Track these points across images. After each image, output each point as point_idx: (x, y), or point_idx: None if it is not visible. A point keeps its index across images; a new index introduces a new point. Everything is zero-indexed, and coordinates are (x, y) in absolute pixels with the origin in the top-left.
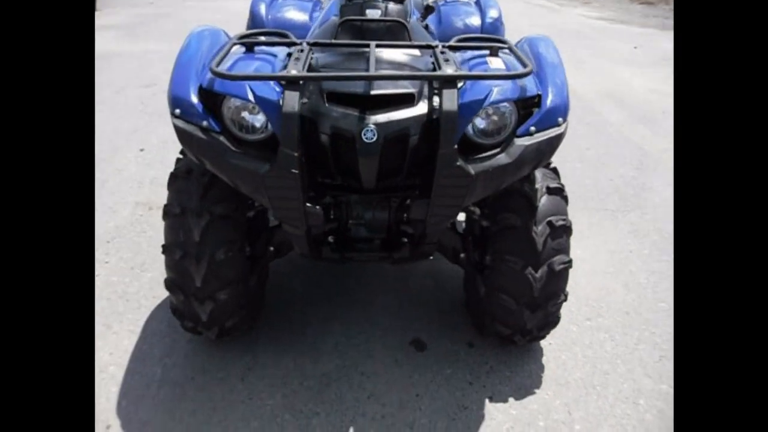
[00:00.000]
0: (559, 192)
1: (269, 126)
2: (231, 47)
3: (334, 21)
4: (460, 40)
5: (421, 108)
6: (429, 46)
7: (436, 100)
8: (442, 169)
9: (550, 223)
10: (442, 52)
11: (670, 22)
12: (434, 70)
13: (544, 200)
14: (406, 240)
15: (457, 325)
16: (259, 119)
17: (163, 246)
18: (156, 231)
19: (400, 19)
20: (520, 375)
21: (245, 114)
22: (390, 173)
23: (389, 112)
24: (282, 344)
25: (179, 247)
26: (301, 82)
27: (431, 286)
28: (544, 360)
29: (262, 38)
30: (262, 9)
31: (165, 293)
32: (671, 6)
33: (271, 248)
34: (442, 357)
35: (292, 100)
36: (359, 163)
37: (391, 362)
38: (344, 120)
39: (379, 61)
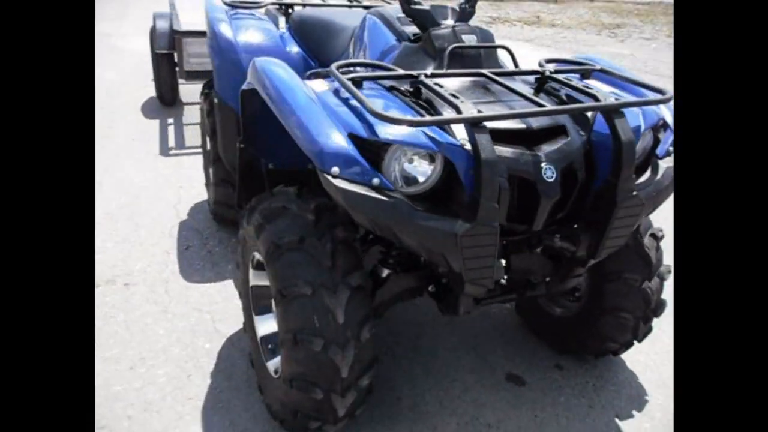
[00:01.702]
0: None
1: (433, 176)
2: (352, 84)
3: (423, 48)
4: (547, 62)
5: (575, 139)
6: (538, 72)
7: (581, 130)
8: (622, 201)
9: (653, 236)
10: (553, 79)
11: None
12: (566, 99)
13: None
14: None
15: (533, 351)
16: (426, 169)
17: (285, 339)
18: (128, 313)
19: (506, 45)
20: (623, 385)
21: (415, 164)
22: (556, 210)
23: (555, 146)
24: (384, 418)
25: (318, 335)
26: (483, 122)
27: (470, 318)
28: (627, 365)
29: (360, 69)
30: (227, 31)
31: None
32: None
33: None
34: (546, 387)
35: (488, 145)
36: (540, 205)
37: (505, 405)
38: (520, 160)
39: (507, 91)
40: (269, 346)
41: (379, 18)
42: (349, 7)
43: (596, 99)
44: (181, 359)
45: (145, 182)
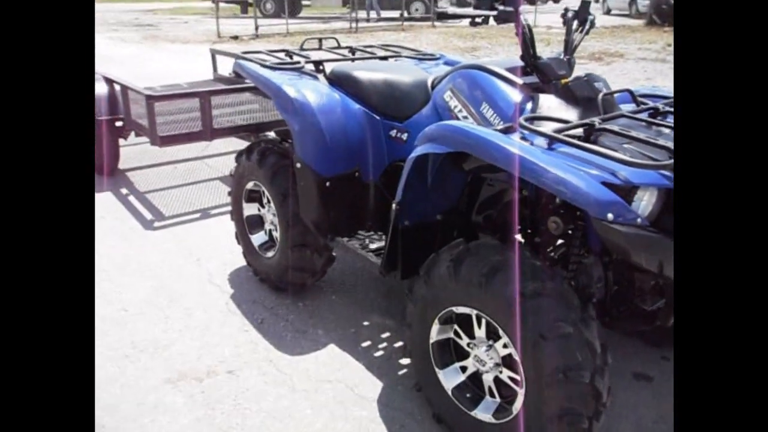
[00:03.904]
0: None
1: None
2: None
3: (564, 97)
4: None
5: None
6: (654, 108)
7: None
8: None
9: None
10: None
11: None
12: None
13: None
14: None
15: (627, 349)
16: (649, 204)
17: (550, 378)
18: (260, 402)
19: (630, 89)
20: None
21: (644, 202)
22: None
23: None
24: None
25: (585, 369)
26: None
27: None
28: None
29: (543, 123)
30: (298, 93)
31: None
32: None
33: None
34: (671, 379)
35: None
36: None
37: (651, 401)
38: None
39: (660, 128)
40: (467, 395)
41: (487, 72)
42: (384, 58)
43: None
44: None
45: (158, 262)
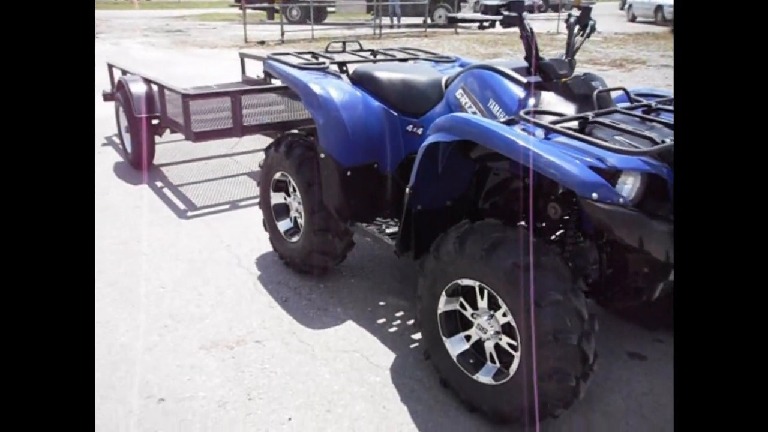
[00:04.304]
0: None
1: (638, 192)
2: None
3: (563, 94)
4: (637, 96)
5: None
6: (647, 106)
7: None
8: None
9: None
10: (658, 109)
11: None
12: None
13: None
14: None
15: (624, 332)
16: (632, 187)
17: (542, 340)
18: (284, 366)
19: (624, 87)
20: None
21: (628, 185)
22: None
23: None
24: None
25: (573, 332)
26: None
27: None
28: None
29: (539, 116)
30: (323, 90)
31: None
32: None
33: None
34: (666, 357)
35: None
36: None
37: (646, 378)
38: None
39: (653, 122)
40: (471, 361)
41: (495, 72)
42: (403, 60)
43: None
44: (363, 396)
45: (191, 247)
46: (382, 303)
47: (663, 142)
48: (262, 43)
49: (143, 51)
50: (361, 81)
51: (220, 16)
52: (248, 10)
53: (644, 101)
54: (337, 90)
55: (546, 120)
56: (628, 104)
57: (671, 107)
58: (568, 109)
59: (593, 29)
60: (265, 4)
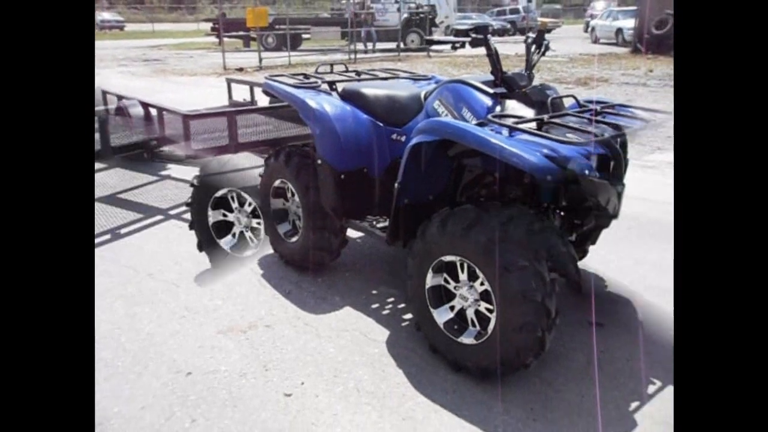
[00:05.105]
0: None
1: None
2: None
3: (523, 101)
4: (585, 104)
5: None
6: (593, 110)
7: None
8: None
9: None
10: (601, 112)
11: None
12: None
13: None
14: None
15: (585, 305)
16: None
17: (512, 299)
18: (294, 343)
19: (573, 94)
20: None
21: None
22: None
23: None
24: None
25: (537, 291)
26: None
27: None
28: None
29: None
30: (318, 105)
31: None
32: None
33: None
34: (620, 324)
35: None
36: None
37: (615, 343)
38: None
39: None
40: (455, 327)
41: (467, 85)
42: (384, 79)
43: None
44: (364, 363)
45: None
46: (374, 292)
47: (603, 135)
48: (240, 69)
49: (124, 80)
50: (351, 97)
51: (195, 45)
52: (224, 39)
53: (591, 106)
54: (330, 105)
55: (510, 121)
56: (578, 108)
57: (613, 111)
58: (528, 113)
59: (547, 48)
60: (241, 33)
